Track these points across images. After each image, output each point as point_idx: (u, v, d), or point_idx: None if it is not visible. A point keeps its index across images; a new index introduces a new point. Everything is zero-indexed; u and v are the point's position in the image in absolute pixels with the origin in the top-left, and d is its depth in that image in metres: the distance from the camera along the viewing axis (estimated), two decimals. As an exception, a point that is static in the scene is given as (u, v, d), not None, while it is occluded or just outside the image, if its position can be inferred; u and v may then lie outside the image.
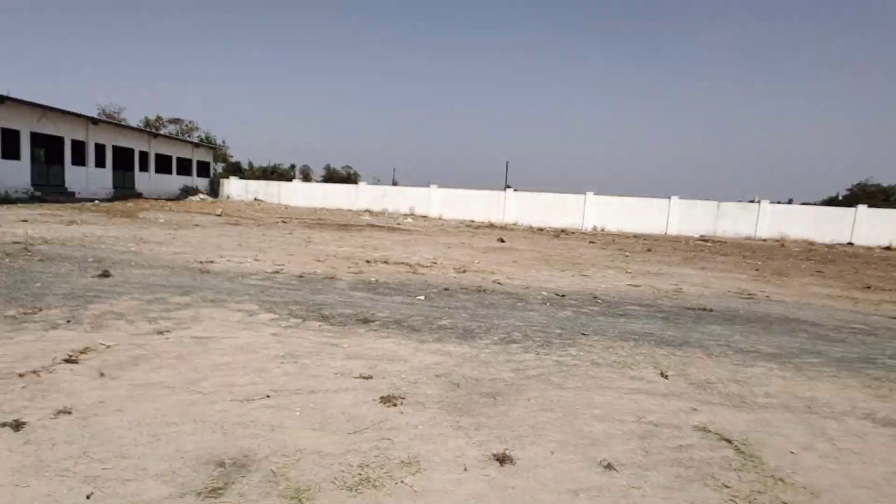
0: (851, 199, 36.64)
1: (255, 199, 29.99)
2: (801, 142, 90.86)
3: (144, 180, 25.60)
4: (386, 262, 9.64)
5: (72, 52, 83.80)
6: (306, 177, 48.89)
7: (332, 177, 50.12)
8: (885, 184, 41.14)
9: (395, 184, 39.37)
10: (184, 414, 2.92)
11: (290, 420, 2.92)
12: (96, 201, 20.07)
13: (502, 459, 2.56)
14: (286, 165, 50.47)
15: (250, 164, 47.97)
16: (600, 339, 5.05)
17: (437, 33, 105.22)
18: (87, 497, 2.11)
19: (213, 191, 32.35)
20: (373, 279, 7.66)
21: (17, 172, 17.65)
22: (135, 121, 42.02)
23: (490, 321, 5.51)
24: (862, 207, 23.74)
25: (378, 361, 4.00)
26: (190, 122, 47.32)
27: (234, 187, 31.20)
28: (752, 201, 25.00)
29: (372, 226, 19.90)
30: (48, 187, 19.06)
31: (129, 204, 20.82)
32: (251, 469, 2.39)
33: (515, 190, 27.95)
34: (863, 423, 3.38)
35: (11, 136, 17.41)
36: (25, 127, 17.94)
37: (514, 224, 25.02)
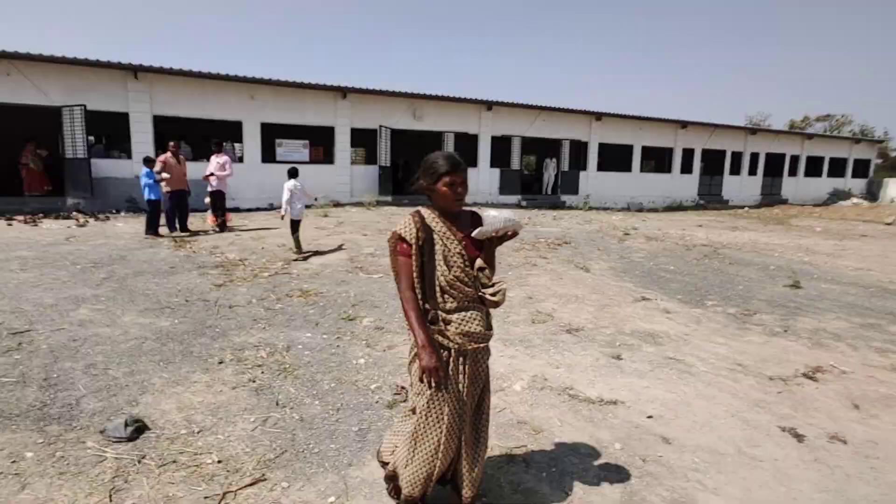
0: None
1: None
2: None
3: (790, 185, 24.69)
4: None
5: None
6: None
7: None
8: None
9: None
10: None
11: None
12: (746, 208, 21.14)
13: None
14: None
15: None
16: None
17: None
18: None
19: (872, 193, 26.95)
20: None
21: (688, 185, 21.35)
22: (779, 125, 41.31)
23: None
24: None
25: None
26: (842, 117, 41.55)
27: (901, 189, 24.79)
28: None
29: None
30: (709, 196, 21.87)
31: (776, 210, 20.58)
32: None
33: None
34: None
35: (687, 154, 21.11)
36: (698, 145, 21.23)
37: None
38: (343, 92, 14.28)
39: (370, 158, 15.88)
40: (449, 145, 15.99)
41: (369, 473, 2.37)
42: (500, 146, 17.40)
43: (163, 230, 8.46)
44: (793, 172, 25.12)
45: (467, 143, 16.77)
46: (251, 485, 2.27)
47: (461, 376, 1.94)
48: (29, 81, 11.09)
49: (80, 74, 11.51)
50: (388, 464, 2.17)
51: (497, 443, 2.65)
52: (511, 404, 3.14)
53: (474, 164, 16.95)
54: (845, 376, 3.68)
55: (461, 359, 1.94)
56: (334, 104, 14.49)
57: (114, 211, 11.44)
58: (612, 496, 2.28)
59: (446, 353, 1.92)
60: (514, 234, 1.94)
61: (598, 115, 18.63)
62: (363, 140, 15.34)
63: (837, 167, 27.03)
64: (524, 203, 17.32)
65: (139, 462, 2.40)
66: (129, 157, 12.22)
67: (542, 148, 21.34)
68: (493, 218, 1.92)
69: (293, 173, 7.52)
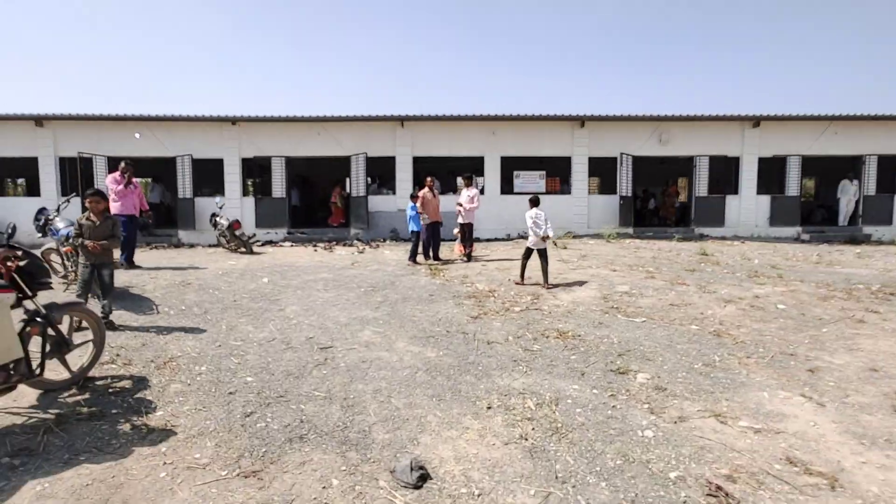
0: None
1: None
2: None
3: None
4: None
5: None
6: None
7: None
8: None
9: None
10: None
11: None
12: None
13: None
14: None
15: None
16: None
17: None
18: None
19: None
20: None
21: None
22: None
23: None
24: None
25: None
26: None
27: None
28: None
29: None
30: None
31: None
32: None
33: None
34: None
35: None
36: None
37: None
38: (581, 121, 13.91)
39: (605, 188, 15.02)
40: (701, 171, 13.98)
41: None
42: (769, 168, 14.41)
43: (419, 258, 9.34)
44: None
45: (724, 167, 14.40)
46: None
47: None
48: (332, 137, 13.97)
49: (363, 128, 13.97)
50: None
51: None
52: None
53: (734, 190, 14.41)
54: None
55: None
56: (571, 133, 14.23)
57: (382, 240, 13.36)
58: None
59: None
60: None
61: (929, 119, 13.81)
62: (600, 169, 14.62)
63: None
64: (805, 237, 13.84)
65: (429, 517, 2.26)
66: (394, 193, 14.20)
67: (827, 168, 16.95)
68: None
69: (535, 202, 7.40)
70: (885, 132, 14.12)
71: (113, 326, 4.80)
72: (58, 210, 6.26)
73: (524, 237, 13.50)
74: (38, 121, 13.58)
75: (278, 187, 13.83)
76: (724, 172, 14.69)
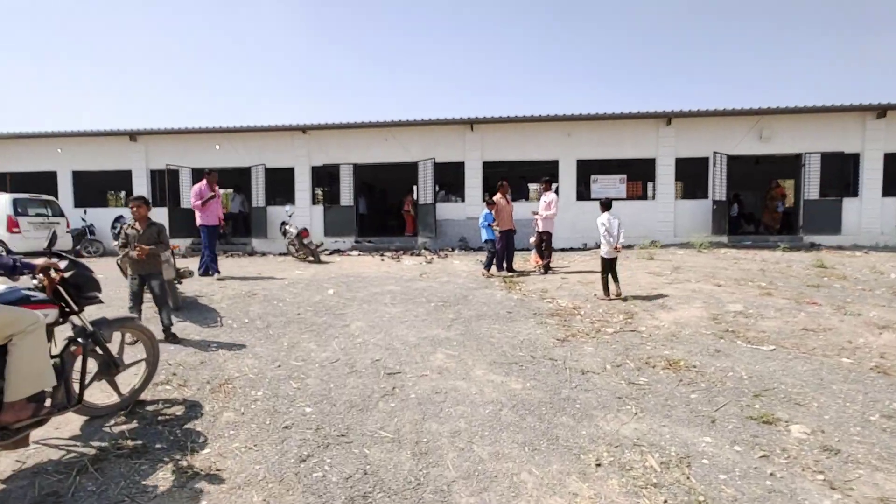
0: None
1: None
2: None
3: None
4: None
5: None
6: None
7: None
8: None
9: None
10: None
11: None
12: None
13: None
14: None
15: None
16: None
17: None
18: None
19: None
20: None
21: None
22: None
23: None
24: None
25: None
26: None
27: None
28: None
29: None
30: None
31: None
32: None
33: None
34: None
35: None
36: None
37: None
38: (667, 118, 12.66)
39: (689, 193, 13.58)
40: (812, 169, 12.23)
41: None
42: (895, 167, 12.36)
43: (493, 269, 8.67)
44: None
45: (839, 165, 12.52)
46: None
47: None
48: (399, 143, 13.71)
49: (431, 133, 13.59)
50: None
51: None
52: None
53: (852, 192, 12.49)
54: None
55: None
56: (656, 132, 12.99)
57: (450, 249, 12.84)
58: None
59: None
60: None
61: None
62: (684, 172, 13.23)
63: None
64: (949, 245, 11.65)
65: None
66: (463, 200, 13.66)
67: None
68: None
69: (607, 205, 6.62)
70: None
71: (176, 339, 4.56)
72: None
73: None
74: (132, 136, 14.47)
75: (346, 195, 13.76)
76: (839, 172, 12.79)
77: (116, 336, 3.21)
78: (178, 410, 3.25)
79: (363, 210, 15.53)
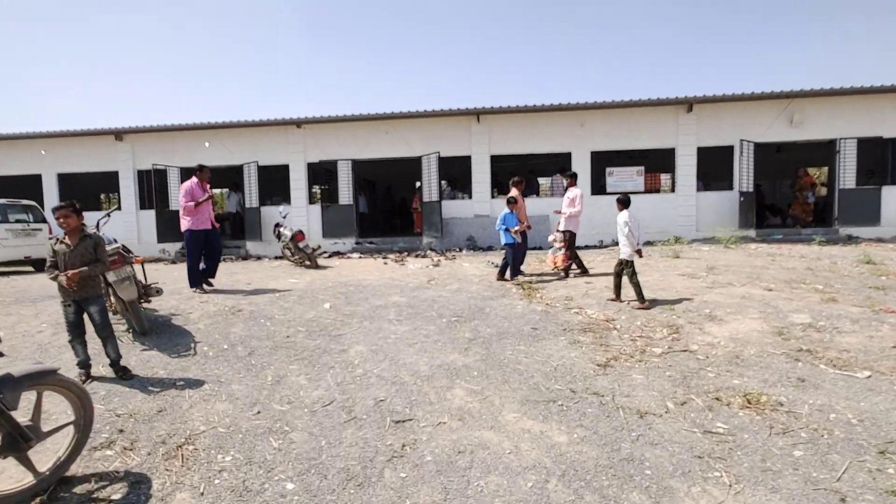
0: None
1: None
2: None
3: None
4: None
5: None
6: None
7: None
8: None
9: None
10: None
11: None
12: None
13: None
14: None
15: None
16: None
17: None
18: None
19: None
20: None
21: None
22: None
23: None
24: None
25: None
26: None
27: None
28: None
29: None
30: None
31: None
32: None
33: None
34: None
35: None
36: None
37: None
38: (688, 104, 11.76)
39: (709, 184, 12.66)
40: (847, 157, 11.32)
41: None
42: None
43: (507, 274, 7.85)
44: None
45: (874, 151, 11.60)
46: None
47: None
48: (400, 136, 12.85)
49: (434, 125, 12.72)
50: None
51: None
52: None
53: (891, 180, 11.58)
54: None
55: None
56: (676, 120, 12.09)
57: (458, 249, 12.00)
58: None
59: None
60: None
61: None
62: (705, 162, 12.33)
63: None
64: None
65: None
66: (470, 197, 12.80)
67: None
68: None
69: (626, 202, 5.93)
70: None
71: (128, 375, 3.74)
72: (97, 226, 5.45)
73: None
74: (118, 135, 13.66)
75: (345, 193, 12.93)
76: (878, 158, 11.87)
77: (30, 396, 2.38)
78: (117, 490, 2.43)
79: (364, 209, 14.70)
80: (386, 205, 17.62)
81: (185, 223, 6.60)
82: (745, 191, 11.60)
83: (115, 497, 2.38)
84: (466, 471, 2.56)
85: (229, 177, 14.79)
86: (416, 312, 5.55)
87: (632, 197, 6.57)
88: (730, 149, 11.97)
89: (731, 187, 12.09)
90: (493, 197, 12.76)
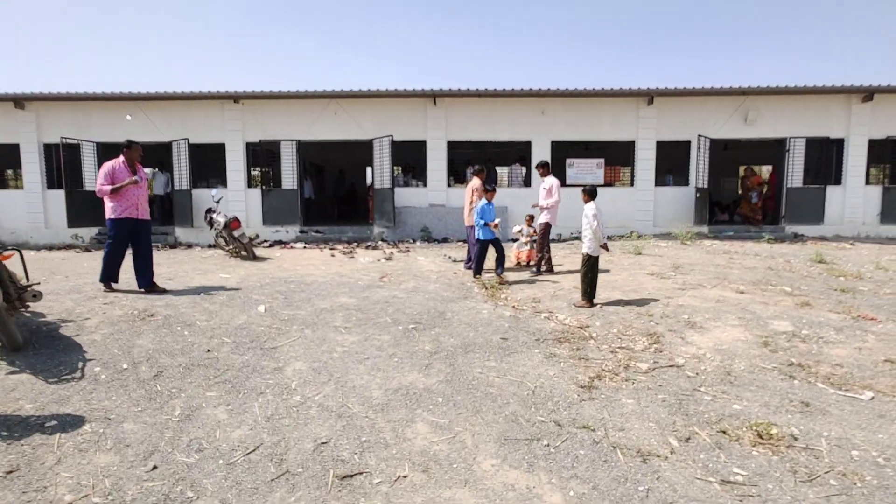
0: None
1: None
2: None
3: None
4: None
5: None
6: None
7: None
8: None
9: None
10: None
11: None
12: None
13: None
14: None
15: None
16: None
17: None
18: None
19: None
20: None
21: None
22: None
23: None
24: None
25: None
26: None
27: None
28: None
29: None
30: None
31: None
32: None
33: None
34: None
35: None
36: None
37: None
38: (649, 96, 11.55)
39: (665, 179, 12.64)
40: (796, 155, 11.53)
41: None
42: (879, 154, 11.88)
43: (472, 271, 7.26)
44: None
45: (824, 150, 11.90)
46: None
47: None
48: (351, 117, 11.87)
49: (388, 107, 11.84)
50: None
51: None
52: None
53: (834, 179, 11.93)
54: None
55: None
56: (636, 113, 11.89)
57: (411, 240, 11.28)
58: None
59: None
60: None
61: None
62: (665, 156, 12.24)
63: None
64: (928, 236, 11.33)
65: None
66: (425, 184, 12.07)
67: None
68: None
69: (592, 194, 5.46)
70: None
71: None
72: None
73: (578, 237, 11.27)
74: (18, 101, 11.79)
75: (289, 177, 11.84)
76: (820, 158, 12.21)
77: None
78: None
79: (310, 194, 13.63)
80: (338, 190, 16.53)
81: (107, 209, 5.42)
82: (701, 187, 11.59)
83: None
84: (437, 558, 1.90)
85: (157, 155, 13.22)
86: (368, 318, 4.82)
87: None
88: (687, 144, 11.92)
89: (686, 183, 12.07)
90: (449, 185, 12.10)
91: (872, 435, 2.82)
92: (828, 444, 2.73)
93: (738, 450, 2.68)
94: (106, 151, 11.26)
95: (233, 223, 8.41)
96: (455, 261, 8.34)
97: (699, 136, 11.54)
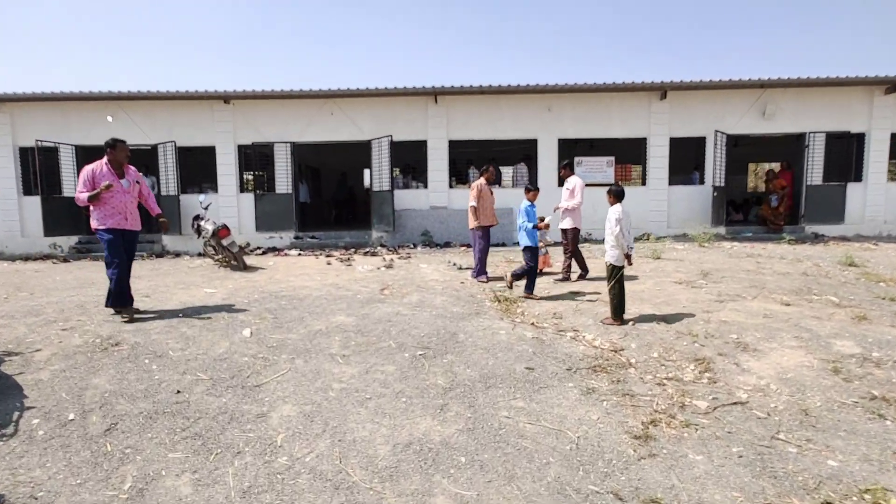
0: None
1: None
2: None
3: None
4: None
5: None
6: None
7: None
8: None
9: None
10: None
11: None
12: None
13: None
14: None
15: None
16: None
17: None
18: None
19: None
20: None
21: None
22: None
23: None
24: None
25: None
26: None
27: None
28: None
29: None
30: None
31: None
32: None
33: None
34: None
35: None
36: None
37: None
38: (662, 90, 10.94)
39: (677, 178, 12.04)
40: (816, 152, 10.93)
41: None
42: (903, 147, 11.29)
43: (482, 277, 6.64)
44: None
45: (837, 146, 11.29)
46: None
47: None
48: (348, 117, 11.22)
49: (387, 106, 11.20)
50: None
51: None
52: None
53: (854, 176, 11.33)
54: None
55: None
56: (648, 108, 11.27)
57: (411, 245, 10.63)
58: None
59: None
60: None
61: None
62: (678, 153, 11.62)
63: None
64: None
65: None
66: (426, 186, 11.43)
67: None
68: None
69: (619, 195, 4.87)
70: None
71: None
72: None
73: (589, 240, 10.67)
74: (-8, 103, 11.09)
75: (283, 180, 11.18)
76: (845, 153, 11.60)
77: None
78: None
79: (305, 198, 12.97)
80: (338, 194, 15.85)
81: (92, 220, 4.69)
82: (719, 185, 10.98)
83: None
84: None
85: (141, 159, 12.53)
86: (369, 342, 4.17)
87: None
88: (702, 140, 11.31)
89: (695, 181, 11.47)
90: (451, 186, 11.47)
91: None
92: (974, 522, 2.10)
93: (858, 533, 2.05)
94: (86, 155, 10.58)
95: (221, 231, 7.74)
96: (460, 268, 7.70)
97: (716, 131, 10.92)
